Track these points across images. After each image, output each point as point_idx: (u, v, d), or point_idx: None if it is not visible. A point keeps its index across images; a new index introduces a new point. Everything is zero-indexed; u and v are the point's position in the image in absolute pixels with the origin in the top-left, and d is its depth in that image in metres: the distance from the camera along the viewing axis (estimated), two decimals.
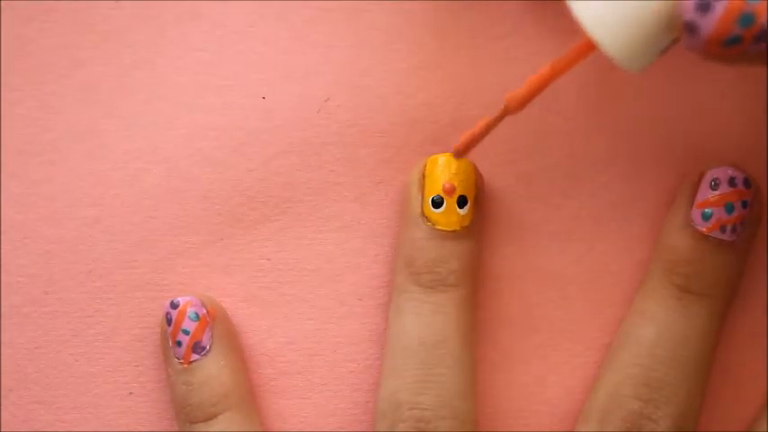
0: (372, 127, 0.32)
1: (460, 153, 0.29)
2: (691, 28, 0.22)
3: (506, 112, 0.27)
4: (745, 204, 0.30)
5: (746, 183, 0.30)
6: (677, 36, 0.23)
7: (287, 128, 0.32)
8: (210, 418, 0.30)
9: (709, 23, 0.21)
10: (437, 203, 0.30)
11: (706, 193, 0.30)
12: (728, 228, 0.30)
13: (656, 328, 0.30)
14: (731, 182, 0.30)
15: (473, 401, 0.30)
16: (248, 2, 0.32)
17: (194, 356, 0.31)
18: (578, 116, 0.32)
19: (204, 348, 0.31)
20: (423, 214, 0.30)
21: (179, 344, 0.31)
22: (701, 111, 0.32)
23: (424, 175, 0.31)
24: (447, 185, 0.30)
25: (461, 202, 0.30)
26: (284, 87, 0.32)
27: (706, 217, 0.30)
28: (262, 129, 0.32)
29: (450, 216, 0.30)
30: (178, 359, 0.31)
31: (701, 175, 0.30)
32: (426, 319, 0.30)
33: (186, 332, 0.31)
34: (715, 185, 0.30)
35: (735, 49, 0.22)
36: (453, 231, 0.30)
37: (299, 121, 0.32)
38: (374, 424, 0.31)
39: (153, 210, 0.32)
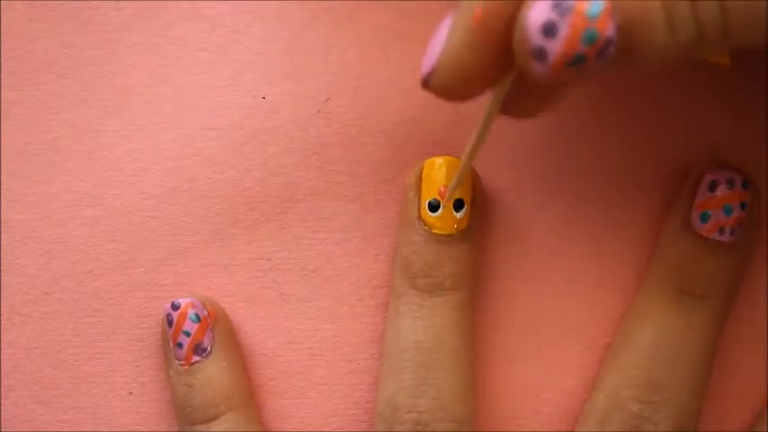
0: (372, 127, 0.32)
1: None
2: (539, 53, 0.21)
3: None
4: (743, 206, 0.30)
5: (745, 184, 0.30)
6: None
7: (287, 128, 0.32)
8: (212, 419, 0.30)
9: (557, 45, 0.21)
10: (434, 207, 0.30)
11: (704, 195, 0.30)
12: (727, 229, 0.30)
13: (656, 330, 0.30)
14: (729, 183, 0.30)
15: (471, 404, 0.30)
16: (248, 2, 0.32)
17: (195, 358, 0.31)
18: (578, 117, 0.32)
19: (205, 350, 0.31)
20: (419, 218, 0.30)
21: (180, 345, 0.31)
22: (701, 112, 0.32)
23: (421, 178, 0.31)
24: (443, 190, 0.30)
25: (458, 205, 0.30)
26: (284, 87, 0.32)
27: (704, 219, 0.30)
28: (262, 129, 0.32)
29: (447, 220, 0.30)
30: (179, 361, 0.31)
31: (700, 177, 0.30)
32: (424, 323, 0.30)
33: (187, 334, 0.31)
34: (713, 187, 0.30)
35: (579, 68, 0.22)
36: (450, 235, 0.30)
37: (299, 121, 0.32)
38: (374, 425, 0.31)
39: (153, 210, 0.32)
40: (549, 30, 0.21)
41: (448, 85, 0.23)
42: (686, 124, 0.32)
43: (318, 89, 0.32)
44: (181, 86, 0.32)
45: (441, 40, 0.23)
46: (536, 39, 0.21)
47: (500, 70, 0.23)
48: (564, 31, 0.21)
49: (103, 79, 0.33)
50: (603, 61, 0.22)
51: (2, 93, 0.33)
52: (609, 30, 0.21)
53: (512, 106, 0.26)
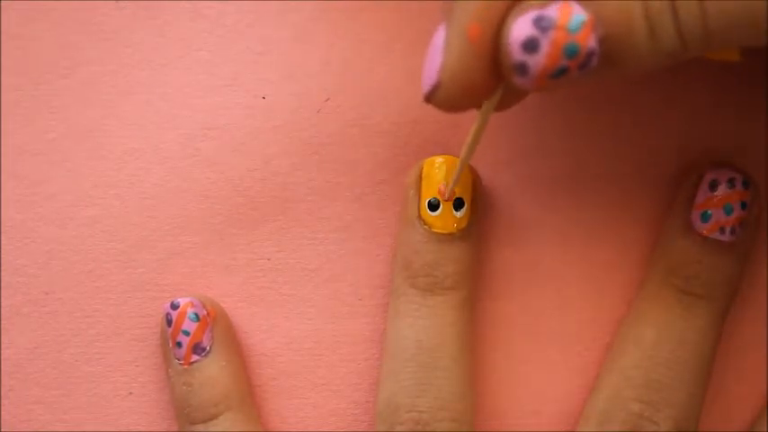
0: (373, 127, 0.32)
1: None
2: (521, 68, 0.22)
3: None
4: (744, 205, 0.30)
5: (745, 184, 0.30)
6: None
7: (287, 128, 0.32)
8: (211, 418, 0.30)
9: (538, 61, 0.22)
10: (433, 206, 0.30)
11: (705, 195, 0.30)
12: (728, 229, 0.30)
13: (657, 330, 0.30)
14: (730, 183, 0.30)
15: (471, 403, 0.30)
16: (248, 2, 0.32)
17: (194, 357, 0.31)
18: (577, 117, 0.32)
19: (204, 349, 0.31)
20: (419, 217, 0.30)
21: (179, 345, 0.31)
22: (701, 111, 0.32)
23: (420, 178, 0.31)
24: (443, 188, 0.30)
25: (458, 204, 0.30)
26: (284, 87, 0.32)
27: (705, 218, 0.30)
28: (262, 129, 0.32)
29: (447, 219, 0.30)
30: (178, 360, 0.31)
31: (700, 177, 0.30)
32: (424, 323, 0.30)
33: (186, 333, 0.31)
34: (714, 187, 0.30)
35: (562, 79, 0.22)
36: (450, 234, 0.30)
37: (299, 121, 0.32)
38: (374, 425, 0.31)
39: (153, 210, 0.32)
40: (530, 46, 0.22)
41: (452, 98, 0.23)
42: (686, 124, 0.32)
43: (318, 89, 0.32)
44: (181, 86, 0.32)
45: (438, 53, 0.23)
46: (518, 54, 0.22)
47: (500, 79, 0.23)
48: (545, 47, 0.22)
49: (103, 79, 0.33)
50: (586, 72, 0.22)
51: (2, 93, 0.33)
52: (590, 42, 0.22)
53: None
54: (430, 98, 0.24)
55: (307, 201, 0.32)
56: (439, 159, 0.30)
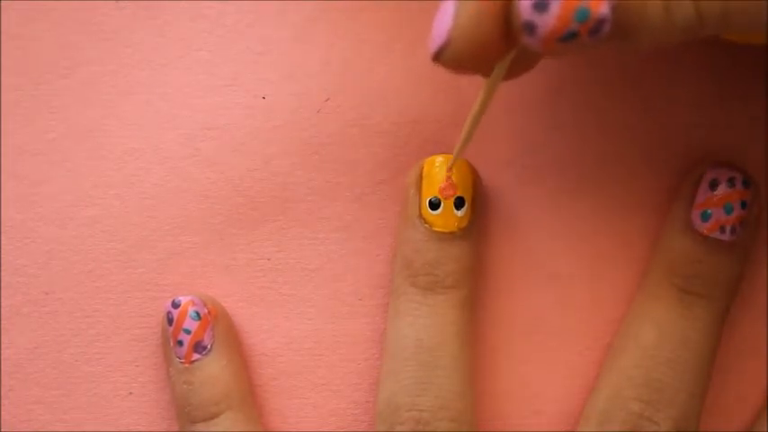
0: (373, 127, 0.32)
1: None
2: (529, 27, 0.22)
3: None
4: (744, 205, 0.30)
5: (745, 183, 0.30)
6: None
7: (287, 128, 0.32)
8: (212, 417, 0.30)
9: (547, 21, 0.21)
10: (434, 205, 0.30)
11: (705, 194, 0.30)
12: (728, 228, 0.30)
13: (657, 330, 0.30)
14: (730, 182, 0.30)
15: (471, 402, 0.30)
16: (248, 1, 0.32)
17: (195, 356, 0.31)
18: (577, 116, 0.32)
19: (205, 348, 0.31)
20: (420, 216, 0.30)
21: (180, 343, 0.31)
22: (701, 111, 0.32)
23: (421, 177, 0.31)
24: (444, 186, 0.30)
25: (459, 203, 0.30)
26: (284, 87, 0.32)
27: (705, 218, 0.30)
28: (262, 129, 0.32)
29: (448, 218, 0.30)
30: (179, 359, 0.31)
31: (701, 176, 0.30)
32: (424, 321, 0.30)
33: (187, 331, 0.31)
34: (714, 186, 0.30)
35: (572, 43, 0.22)
36: (451, 233, 0.30)
37: (299, 121, 0.32)
38: (374, 425, 0.31)
39: (153, 210, 0.32)
40: (540, 5, 0.21)
41: (461, 57, 0.23)
42: (686, 123, 0.32)
43: (318, 89, 0.32)
44: (181, 86, 0.32)
45: (449, 14, 0.23)
46: (527, 13, 0.21)
47: (510, 42, 0.23)
48: (555, 8, 0.21)
49: (103, 79, 0.33)
50: (598, 39, 0.22)
51: (2, 93, 0.33)
52: (602, 8, 0.21)
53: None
54: (438, 57, 0.23)
55: (307, 201, 0.32)
56: (439, 159, 0.30)
